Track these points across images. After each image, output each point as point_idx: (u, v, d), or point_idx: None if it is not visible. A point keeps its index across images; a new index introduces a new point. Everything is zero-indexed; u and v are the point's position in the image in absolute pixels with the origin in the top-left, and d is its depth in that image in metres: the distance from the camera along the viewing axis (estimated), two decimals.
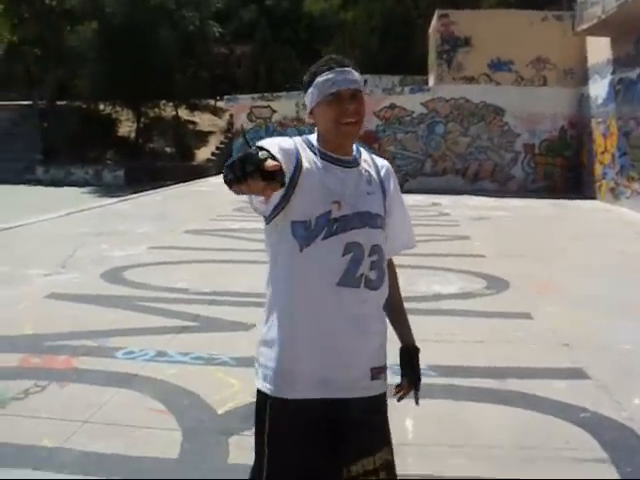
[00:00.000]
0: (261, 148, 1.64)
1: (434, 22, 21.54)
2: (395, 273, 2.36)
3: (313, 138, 2.19)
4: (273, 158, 1.62)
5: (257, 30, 37.15)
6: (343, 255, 2.06)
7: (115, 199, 17.80)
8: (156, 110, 34.11)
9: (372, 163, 2.26)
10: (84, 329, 5.84)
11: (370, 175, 2.20)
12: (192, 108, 36.67)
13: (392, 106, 20.80)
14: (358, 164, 2.19)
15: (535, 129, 20.41)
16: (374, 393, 2.15)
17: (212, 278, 7.90)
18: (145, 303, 6.74)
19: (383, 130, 20.86)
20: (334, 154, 2.14)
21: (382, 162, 2.31)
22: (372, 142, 20.27)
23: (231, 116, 26.59)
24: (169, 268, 8.60)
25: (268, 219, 2.10)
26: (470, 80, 20.49)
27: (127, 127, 34.93)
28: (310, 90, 2.15)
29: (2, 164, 27.63)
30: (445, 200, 17.27)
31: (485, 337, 5.78)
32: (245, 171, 1.56)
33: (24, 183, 26.69)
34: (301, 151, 2.09)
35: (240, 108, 22.76)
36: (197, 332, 5.87)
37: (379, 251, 2.15)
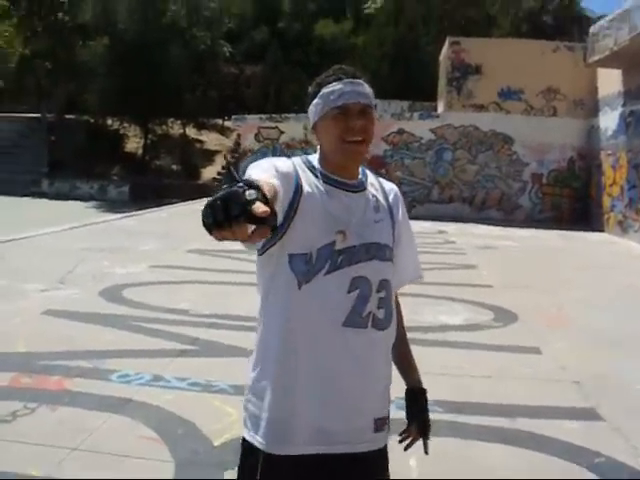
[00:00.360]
0: (250, 185, 1.29)
1: (445, 49, 21.50)
2: (399, 306, 2.13)
3: (314, 159, 1.95)
4: (264, 197, 1.29)
5: (268, 51, 37.27)
6: (349, 292, 1.83)
7: (119, 215, 17.67)
8: (164, 127, 34.21)
9: (379, 187, 2.04)
10: (79, 349, 5.67)
11: (378, 201, 1.98)
12: (200, 127, 36.76)
13: (400, 131, 20.70)
14: (364, 188, 1.96)
15: (544, 159, 20.27)
16: (377, 447, 1.92)
17: (213, 300, 7.73)
18: (143, 324, 6.56)
19: (391, 155, 20.74)
20: (338, 177, 1.90)
21: (390, 186, 2.09)
22: (379, 167, 20.15)
23: (238, 136, 26.55)
24: (170, 288, 8.43)
25: (261, 250, 1.85)
26: (480, 108, 20.38)
27: (134, 143, 34.99)
28: (315, 102, 1.91)
29: (9, 176, 27.64)
30: (451, 228, 17.10)
31: (493, 372, 5.58)
32: (229, 215, 1.24)
33: (29, 196, 26.65)
34: (301, 173, 1.86)
35: (248, 128, 22.68)
36: (195, 356, 5.68)
37: (387, 286, 1.92)
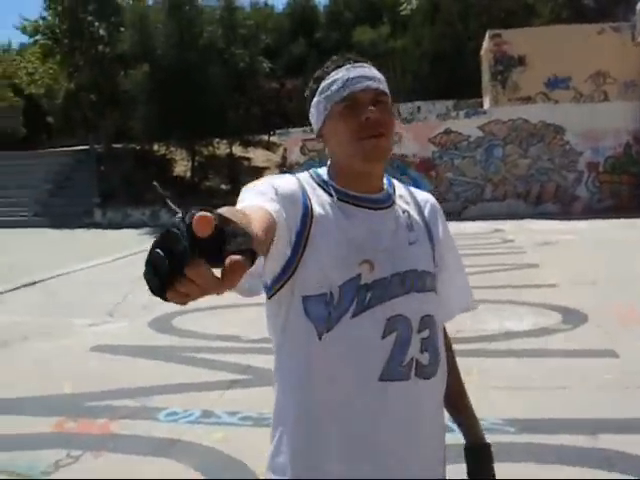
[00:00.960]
0: (184, 219, 0.86)
1: (486, 43, 20.99)
2: (449, 341, 1.69)
3: (324, 172, 1.56)
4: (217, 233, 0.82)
5: (307, 63, 37.15)
6: (384, 336, 1.43)
7: None
8: (210, 148, 34.29)
9: (411, 199, 1.62)
10: (127, 386, 5.43)
11: (410, 216, 1.56)
12: (246, 144, 36.72)
13: (447, 131, 20.21)
14: (392, 203, 1.55)
15: (598, 146, 19.50)
16: None
17: (262, 323, 7.42)
18: (193, 354, 6.30)
19: (440, 157, 20.27)
20: (357, 191, 1.50)
21: (424, 196, 1.67)
22: (428, 170, 19.76)
23: (285, 150, 26.43)
24: (219, 313, 8.14)
25: (268, 291, 1.47)
26: (527, 100, 19.82)
27: (182, 166, 35.16)
28: (314, 101, 1.53)
29: (62, 209, 28.08)
30: (508, 226, 16.53)
31: (567, 382, 5.11)
32: (176, 264, 0.81)
33: (83, 227, 26.94)
34: (309, 192, 1.48)
35: (292, 142, 22.53)
36: (247, 387, 5.37)
37: (432, 323, 1.52)
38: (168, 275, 0.82)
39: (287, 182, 1.45)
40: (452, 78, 27.56)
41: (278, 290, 1.43)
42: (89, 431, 4.54)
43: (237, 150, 36.46)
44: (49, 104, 38.67)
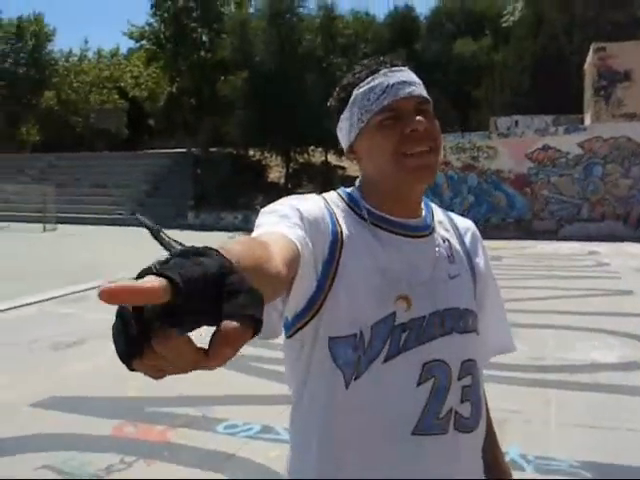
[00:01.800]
0: (199, 253, 0.65)
1: (590, 57, 20.25)
2: (483, 388, 1.43)
3: (354, 192, 1.36)
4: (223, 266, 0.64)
5: None
6: (419, 384, 1.24)
7: None
8: (305, 156, 34.58)
9: (451, 226, 1.43)
10: (191, 393, 5.37)
11: (451, 247, 1.37)
12: (341, 153, 36.73)
13: (545, 147, 19.59)
14: (432, 230, 1.36)
15: None
16: None
17: None
18: (262, 364, 6.19)
19: (536, 173, 19.67)
20: (394, 216, 1.32)
21: (465, 223, 1.48)
22: (524, 186, 19.20)
23: None
24: None
25: (288, 331, 1.28)
26: (631, 117, 18.96)
27: (277, 173, 35.58)
28: (346, 114, 1.33)
29: (156, 209, 28.80)
30: (604, 248, 15.80)
31: None
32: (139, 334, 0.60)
33: (176, 228, 27.54)
34: (338, 215, 1.28)
35: None
36: None
37: (473, 369, 1.32)
38: (135, 341, 0.61)
39: (313, 204, 1.27)
40: (553, 93, 26.74)
41: (300, 328, 1.25)
42: (147, 437, 4.49)
43: (332, 159, 36.58)
44: (151, 107, 39.88)
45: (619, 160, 18.94)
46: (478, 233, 1.48)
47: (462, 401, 1.29)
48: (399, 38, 39.34)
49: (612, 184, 19.06)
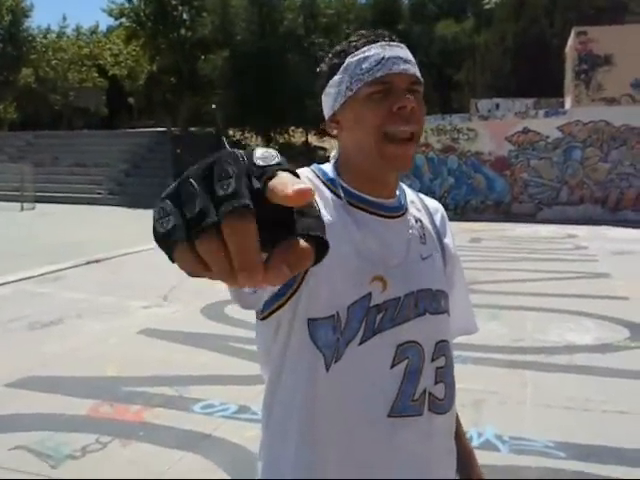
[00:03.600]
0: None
1: (571, 40, 20.26)
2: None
3: (329, 169, 1.31)
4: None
5: None
6: (392, 366, 1.22)
7: None
8: (286, 136, 34.47)
9: (422, 206, 1.41)
10: (168, 373, 5.35)
11: (423, 227, 1.35)
12: (322, 134, 36.76)
13: (525, 130, 19.59)
14: (405, 210, 1.34)
15: None
16: None
17: None
18: (241, 345, 6.16)
19: (516, 156, 19.67)
20: (371, 195, 1.28)
21: (434, 204, 1.46)
22: (503, 169, 19.21)
23: None
24: None
25: (261, 313, 1.22)
26: (611, 101, 19.03)
27: None
28: (335, 79, 1.26)
29: (135, 188, 28.51)
30: (582, 231, 15.89)
31: (631, 406, 4.75)
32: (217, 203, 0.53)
33: (155, 207, 27.37)
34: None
35: None
36: None
37: (446, 350, 1.32)
38: (201, 215, 0.52)
39: None
40: (534, 76, 26.82)
41: (276, 310, 1.20)
42: (123, 417, 4.46)
43: (313, 139, 36.50)
44: (131, 85, 39.42)
45: (598, 144, 19.01)
46: (445, 214, 1.47)
47: (436, 382, 1.29)
48: (381, 19, 39.20)
49: (591, 168, 19.14)
